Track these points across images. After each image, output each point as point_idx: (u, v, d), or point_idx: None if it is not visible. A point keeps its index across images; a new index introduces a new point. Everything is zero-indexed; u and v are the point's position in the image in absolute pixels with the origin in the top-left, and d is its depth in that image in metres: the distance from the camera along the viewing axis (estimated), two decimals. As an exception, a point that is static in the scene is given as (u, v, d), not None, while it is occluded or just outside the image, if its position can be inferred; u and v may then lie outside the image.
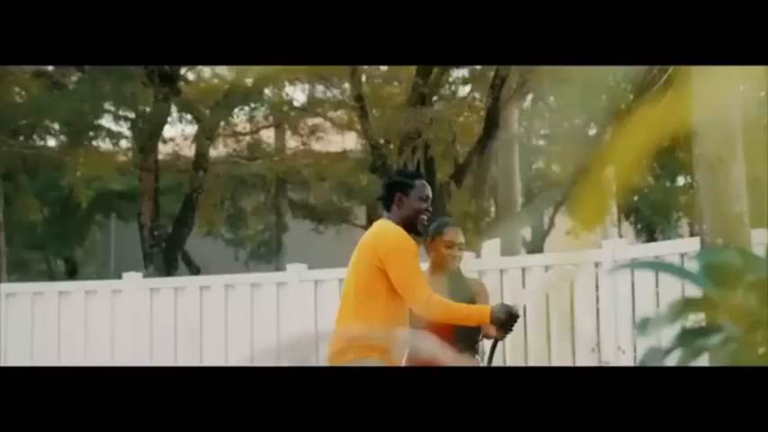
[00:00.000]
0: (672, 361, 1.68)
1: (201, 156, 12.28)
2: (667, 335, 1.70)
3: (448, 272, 4.98)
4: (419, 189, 4.70)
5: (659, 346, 1.71)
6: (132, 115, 12.27)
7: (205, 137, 11.98)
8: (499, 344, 4.76)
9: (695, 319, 1.72)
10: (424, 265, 4.86)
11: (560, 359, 7.29)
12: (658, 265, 1.74)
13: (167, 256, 12.14)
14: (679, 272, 1.73)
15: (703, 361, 1.70)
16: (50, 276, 17.18)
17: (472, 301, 4.88)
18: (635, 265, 1.68)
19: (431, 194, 4.79)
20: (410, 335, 4.47)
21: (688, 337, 1.68)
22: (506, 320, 4.46)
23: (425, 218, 4.69)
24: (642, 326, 1.66)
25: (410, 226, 4.63)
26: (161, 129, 12.32)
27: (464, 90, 13.15)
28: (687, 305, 1.70)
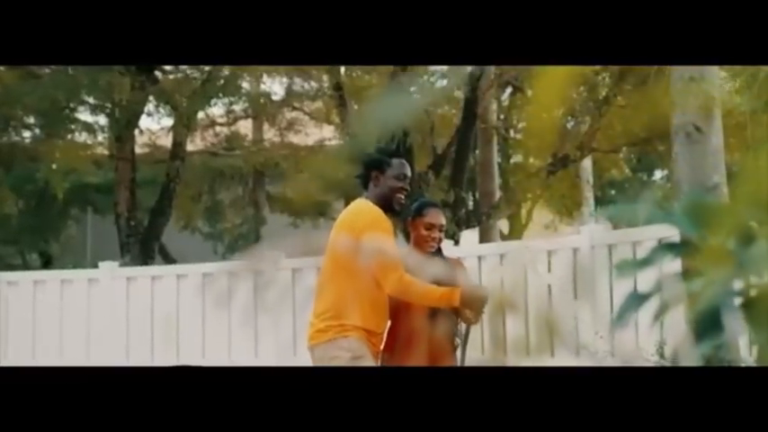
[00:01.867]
0: (651, 305, 1.66)
1: (179, 145, 12.21)
2: (647, 280, 1.69)
3: (427, 253, 4.95)
4: (395, 167, 4.67)
5: (639, 291, 1.70)
6: (109, 105, 12.17)
7: (182, 125, 11.91)
8: (474, 329, 4.76)
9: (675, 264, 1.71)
10: (405, 246, 4.84)
11: (538, 344, 7.29)
12: (641, 210, 1.71)
13: (144, 247, 12.06)
14: (662, 217, 1.71)
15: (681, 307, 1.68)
16: (25, 270, 17.01)
17: (452, 282, 4.86)
18: (617, 209, 1.67)
19: (409, 173, 4.76)
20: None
21: (668, 282, 1.66)
22: (476, 302, 4.45)
23: (402, 197, 4.66)
24: (621, 267, 1.65)
25: (386, 205, 4.60)
26: (138, 117, 12.24)
27: (442, 81, 13.15)
28: (667, 249, 1.68)
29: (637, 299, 1.70)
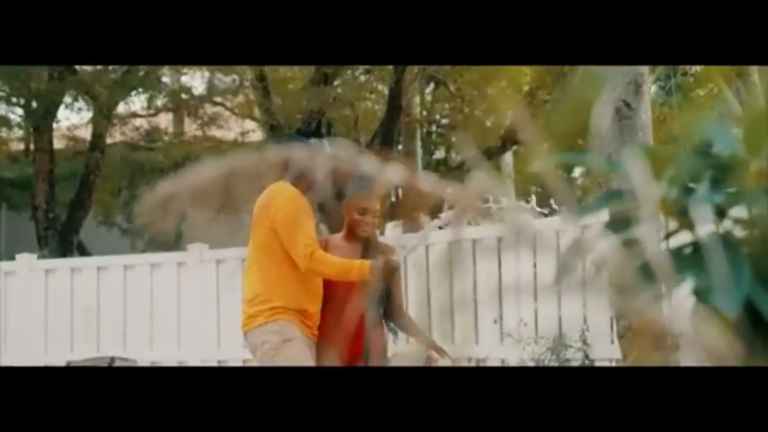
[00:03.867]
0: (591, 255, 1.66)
1: (98, 137, 11.99)
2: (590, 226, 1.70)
3: (361, 237, 4.92)
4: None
5: (584, 237, 1.70)
6: (25, 95, 11.89)
7: (102, 116, 11.70)
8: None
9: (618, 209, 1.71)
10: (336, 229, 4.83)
11: (463, 332, 7.35)
12: (584, 158, 1.72)
13: (62, 240, 11.82)
14: (607, 165, 1.72)
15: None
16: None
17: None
18: (560, 158, 1.62)
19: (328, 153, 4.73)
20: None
21: (613, 228, 1.67)
22: (385, 271, 4.46)
23: None
24: (567, 216, 1.65)
25: (305, 185, 4.57)
26: (56, 108, 11.99)
27: (367, 74, 13.18)
28: (611, 196, 1.69)
29: (579, 244, 1.70)
